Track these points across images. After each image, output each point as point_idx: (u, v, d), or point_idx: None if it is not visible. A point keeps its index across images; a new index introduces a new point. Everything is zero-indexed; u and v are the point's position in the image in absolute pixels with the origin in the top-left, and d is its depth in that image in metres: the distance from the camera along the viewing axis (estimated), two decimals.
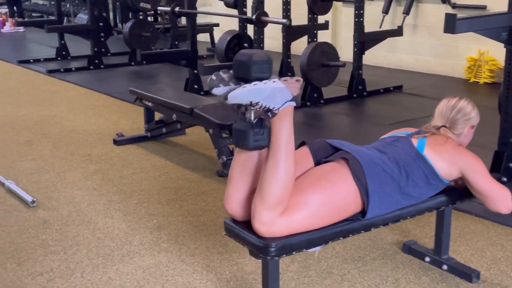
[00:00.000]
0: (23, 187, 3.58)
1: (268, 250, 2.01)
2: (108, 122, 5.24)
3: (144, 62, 7.71)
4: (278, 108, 1.96)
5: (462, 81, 6.81)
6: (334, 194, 2.10)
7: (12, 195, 3.53)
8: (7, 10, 13.16)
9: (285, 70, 6.84)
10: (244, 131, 1.99)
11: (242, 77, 1.95)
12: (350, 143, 2.33)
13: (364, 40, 5.93)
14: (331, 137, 2.45)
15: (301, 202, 2.06)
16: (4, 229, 3.09)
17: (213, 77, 1.96)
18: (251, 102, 1.92)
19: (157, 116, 4.61)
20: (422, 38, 7.33)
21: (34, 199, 3.38)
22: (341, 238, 2.19)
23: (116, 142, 4.55)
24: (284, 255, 2.07)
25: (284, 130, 2.00)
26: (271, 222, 2.00)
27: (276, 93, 1.94)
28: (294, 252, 2.09)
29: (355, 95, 6.08)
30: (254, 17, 5.30)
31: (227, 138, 3.85)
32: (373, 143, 2.45)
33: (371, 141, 2.51)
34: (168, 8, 6.61)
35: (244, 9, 6.07)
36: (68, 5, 11.73)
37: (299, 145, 2.35)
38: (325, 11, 6.01)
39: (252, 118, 1.97)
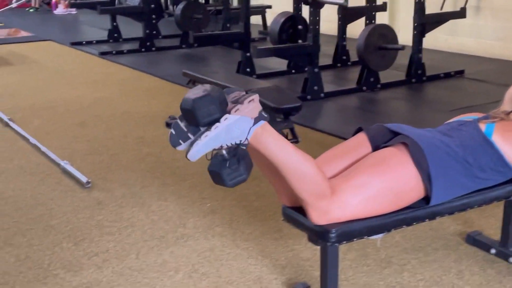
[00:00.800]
0: (78, 168, 3.66)
1: (328, 236, 1.99)
2: (160, 104, 5.30)
3: (196, 44, 7.75)
4: (246, 139, 1.91)
5: None
6: (394, 179, 2.06)
7: (68, 175, 3.61)
8: None
9: (340, 54, 6.78)
10: (218, 172, 1.88)
11: (195, 124, 1.86)
12: (410, 126, 2.28)
13: (425, 22, 5.80)
14: (388, 123, 2.39)
15: (357, 186, 2.03)
16: (60, 209, 3.18)
17: (173, 131, 1.90)
18: (214, 149, 1.87)
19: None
20: (486, 20, 7.13)
21: (89, 180, 3.45)
22: (405, 226, 2.15)
23: (168, 125, 4.58)
24: (344, 242, 2.04)
25: (269, 149, 1.94)
26: (326, 210, 1.99)
27: (233, 129, 1.85)
28: (355, 239, 2.06)
29: (413, 80, 5.97)
30: None
31: (282, 122, 3.84)
32: (438, 127, 2.39)
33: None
34: None
35: None
36: None
37: (355, 131, 2.33)
38: None
39: (225, 155, 1.88)
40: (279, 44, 6.40)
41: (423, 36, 5.88)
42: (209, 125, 1.83)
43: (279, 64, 6.61)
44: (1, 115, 4.85)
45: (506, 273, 2.49)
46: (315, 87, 5.39)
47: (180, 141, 1.87)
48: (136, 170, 3.72)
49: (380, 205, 2.06)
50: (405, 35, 6.76)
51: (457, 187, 2.17)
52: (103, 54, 7.89)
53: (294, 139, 3.84)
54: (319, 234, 2.02)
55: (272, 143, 1.93)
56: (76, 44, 8.67)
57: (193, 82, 4.61)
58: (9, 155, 4.05)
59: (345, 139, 2.78)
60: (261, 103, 3.76)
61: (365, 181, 2.04)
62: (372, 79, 5.70)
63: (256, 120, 1.89)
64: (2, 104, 5.37)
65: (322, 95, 5.43)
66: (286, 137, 3.73)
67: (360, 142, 2.25)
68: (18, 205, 3.25)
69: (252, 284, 2.44)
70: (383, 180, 2.05)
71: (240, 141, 1.87)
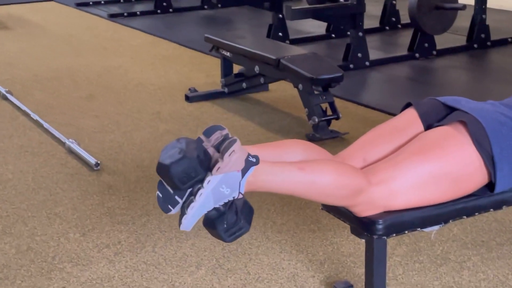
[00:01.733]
0: (86, 148, 3.72)
1: (374, 228, 2.00)
2: (179, 75, 5.35)
3: (220, 5, 7.76)
4: (239, 193, 1.91)
5: None
6: (450, 164, 2.06)
7: (74, 156, 3.67)
8: None
9: (389, 15, 6.73)
10: (214, 230, 1.91)
11: (179, 188, 1.89)
12: (468, 99, 2.28)
13: None
14: (446, 96, 2.38)
15: (407, 172, 2.03)
16: (66, 194, 3.23)
17: (159, 194, 1.93)
18: (208, 211, 1.89)
19: (236, 68, 4.66)
20: None
21: (98, 162, 3.50)
22: (465, 216, 2.16)
23: (188, 99, 4.64)
24: (394, 234, 2.06)
25: (274, 188, 1.99)
26: (367, 202, 2.01)
27: (220, 190, 1.87)
28: (406, 231, 2.09)
29: (476, 45, 5.95)
30: None
31: (320, 95, 3.84)
32: (503, 100, 2.37)
33: None
34: None
35: None
36: None
37: (404, 106, 2.33)
38: None
39: (221, 209, 1.89)
40: (317, 4, 6.37)
41: None
42: (193, 187, 1.86)
43: (317, 27, 6.60)
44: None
45: None
46: (359, 54, 5.39)
47: (169, 206, 1.91)
48: (151, 150, 3.77)
49: (435, 193, 2.07)
50: None
51: None
52: (112, 16, 7.94)
53: (334, 114, 3.85)
54: (364, 226, 2.04)
55: (273, 182, 1.96)
56: (82, 4, 8.73)
57: (216, 48, 4.62)
58: (8, 132, 4.12)
59: (393, 115, 2.78)
60: (296, 72, 3.81)
61: (416, 166, 2.05)
62: (426, 45, 5.69)
63: (244, 171, 1.88)
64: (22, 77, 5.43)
65: (367, 63, 5.42)
66: (324, 112, 3.75)
67: (410, 119, 2.25)
68: (18, 189, 3.30)
69: (285, 282, 2.47)
70: (437, 165, 2.05)
71: (233, 197, 1.88)
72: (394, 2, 6.72)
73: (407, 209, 2.04)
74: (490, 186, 2.13)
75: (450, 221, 2.14)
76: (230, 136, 1.97)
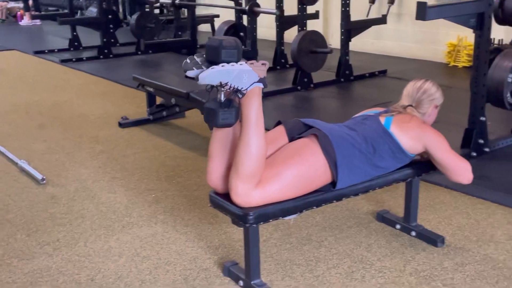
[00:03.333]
0: (35, 166, 3.64)
1: (247, 218, 2.06)
2: (114, 106, 5.28)
3: (150, 51, 7.75)
4: (246, 89, 1.99)
5: (443, 65, 6.81)
6: (306, 167, 2.14)
7: (25, 173, 3.59)
8: (22, 5, 13.17)
9: (279, 58, 6.85)
10: (214, 109, 1.99)
11: (213, 61, 1.97)
12: (322, 121, 2.36)
13: (350, 28, 5.92)
14: (319, 118, 2.46)
15: (275, 175, 2.10)
16: (16, 204, 3.15)
17: (188, 60, 1.99)
18: (220, 82, 1.95)
19: (159, 100, 4.65)
20: (406, 25, 7.32)
21: (44, 177, 3.43)
22: (315, 207, 2.23)
23: (121, 125, 4.60)
24: (261, 223, 2.12)
25: (253, 110, 2.03)
26: (246, 194, 2.05)
27: (243, 75, 1.97)
28: (270, 220, 2.13)
29: (342, 79, 6.08)
30: (247, 8, 5.30)
31: None
32: (345, 122, 2.48)
33: None
34: (169, 1, 6.60)
35: (240, 1, 6.08)
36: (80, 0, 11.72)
37: (275, 124, 2.39)
38: (313, 2, 5.99)
39: (222, 98, 1.99)
40: None
41: (350, 40, 5.98)
42: (225, 63, 1.95)
43: None
44: None
45: (408, 245, 2.61)
46: None
47: (194, 68, 1.97)
48: (89, 166, 3.72)
49: (294, 191, 2.14)
50: (337, 40, 6.89)
51: (360, 174, 2.27)
52: (63, 61, 7.76)
53: None
54: (239, 217, 2.09)
55: (256, 107, 2.04)
56: (39, 52, 8.50)
57: (142, 85, 4.61)
58: None
59: None
60: (202, 102, 3.80)
61: (281, 171, 2.11)
62: (305, 80, 5.79)
63: (260, 80, 2.02)
64: None
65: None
66: None
67: (279, 133, 2.32)
68: None
69: (187, 264, 2.49)
70: (296, 169, 2.12)
71: (242, 88, 1.97)
72: (282, 47, 6.82)
73: (271, 203, 2.10)
74: (333, 184, 2.22)
75: (304, 210, 2.21)
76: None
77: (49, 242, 2.71)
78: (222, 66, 1.95)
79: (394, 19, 7.25)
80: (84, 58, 7.94)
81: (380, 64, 6.83)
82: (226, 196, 2.16)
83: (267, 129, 2.20)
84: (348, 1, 5.78)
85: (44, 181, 3.41)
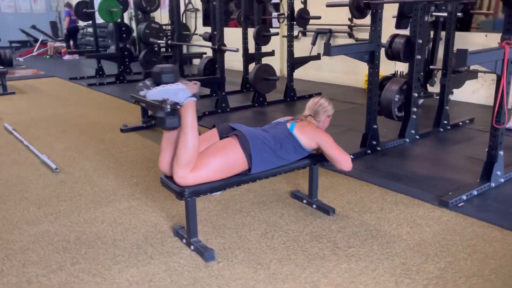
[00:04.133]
0: (53, 160, 3.65)
1: (183, 194, 2.11)
2: (120, 117, 5.28)
3: None
4: (183, 102, 2.04)
5: (362, 90, 6.89)
6: (228, 158, 2.19)
7: (44, 164, 3.60)
8: (65, 44, 13.09)
9: (245, 83, 6.88)
10: (162, 117, 2.05)
11: (158, 82, 2.03)
12: (244, 125, 2.41)
13: (294, 63, 5.98)
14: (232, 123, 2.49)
15: (205, 163, 2.15)
16: (33, 186, 3.17)
17: (140, 84, 2.04)
18: (163, 98, 2.00)
19: (150, 112, 4.66)
20: (337, 60, 7.39)
21: (57, 167, 3.45)
22: (235, 186, 2.27)
23: (122, 131, 4.61)
24: (194, 197, 2.16)
25: (189, 117, 2.07)
26: (184, 176, 2.10)
27: (179, 92, 2.02)
28: (201, 195, 2.17)
29: (288, 99, 6.12)
30: (216, 47, 5.34)
31: None
32: (264, 126, 2.54)
33: None
34: (163, 41, 6.61)
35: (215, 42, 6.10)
36: (108, 40, 11.67)
37: (211, 127, 2.43)
38: (266, 43, 6.06)
39: (168, 109, 2.04)
40: (203, 76, 6.45)
41: (293, 71, 6.03)
42: (165, 84, 2.01)
43: (205, 90, 6.68)
44: (7, 126, 4.73)
45: (309, 214, 2.67)
46: (223, 104, 5.49)
47: (144, 89, 2.02)
48: (92, 160, 3.73)
49: (219, 174, 2.18)
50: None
51: (269, 164, 2.33)
52: (90, 85, 7.73)
53: None
54: (178, 193, 2.13)
55: (191, 115, 2.07)
56: (73, 78, 8.46)
57: (137, 101, 4.61)
58: (8, 152, 3.98)
59: None
60: None
61: (210, 161, 2.16)
62: (261, 99, 5.82)
63: (192, 96, 2.04)
64: (11, 119, 5.23)
65: (228, 109, 5.51)
66: None
67: (212, 134, 2.36)
68: (7, 184, 3.22)
69: (149, 228, 2.52)
70: (220, 159, 2.18)
71: (179, 101, 2.01)
72: (247, 76, 6.85)
73: (202, 183, 2.15)
74: (249, 170, 2.28)
75: (227, 188, 2.24)
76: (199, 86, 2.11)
77: (52, 213, 2.73)
78: (163, 86, 1.99)
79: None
80: (105, 83, 7.90)
81: (317, 88, 6.90)
82: (171, 178, 2.20)
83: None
84: (292, 43, 5.83)
85: (57, 170, 3.43)
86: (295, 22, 5.72)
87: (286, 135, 2.41)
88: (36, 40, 13.74)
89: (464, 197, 2.79)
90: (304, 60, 6.19)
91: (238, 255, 2.21)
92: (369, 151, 3.74)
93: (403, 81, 3.94)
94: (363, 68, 6.82)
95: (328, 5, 3.75)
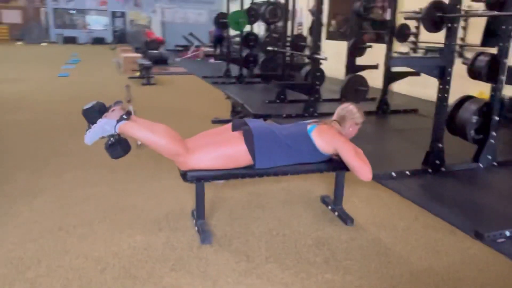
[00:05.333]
0: None
1: (186, 177, 2.11)
2: (217, 111, 5.34)
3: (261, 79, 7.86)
4: (115, 131, 1.98)
5: None
6: (230, 149, 2.13)
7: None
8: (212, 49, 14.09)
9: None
10: (107, 150, 2.02)
11: (90, 124, 2.00)
12: (260, 121, 2.29)
13: (390, 76, 5.47)
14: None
15: (209, 150, 2.12)
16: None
17: (87, 127, 2.01)
18: (100, 137, 1.97)
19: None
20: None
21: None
22: (240, 178, 2.18)
23: (213, 122, 4.71)
24: (202, 181, 2.13)
25: (135, 134, 2.02)
26: (183, 162, 2.09)
27: (104, 126, 1.97)
28: (202, 181, 2.13)
29: (380, 112, 5.58)
30: (309, 55, 5.14)
31: None
32: (287, 124, 2.37)
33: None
34: (272, 48, 6.62)
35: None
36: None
37: (229, 122, 2.37)
38: (361, 55, 5.63)
39: (111, 141, 2.00)
40: None
41: (389, 84, 5.54)
42: (94, 124, 1.99)
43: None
44: (130, 108, 5.22)
45: (328, 220, 2.45)
46: (311, 109, 5.27)
47: (87, 132, 2.01)
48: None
49: (221, 163, 2.13)
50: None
51: (277, 160, 2.19)
52: (214, 83, 8.17)
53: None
54: (182, 175, 2.13)
55: (136, 132, 2.02)
56: (204, 77, 9.06)
57: (228, 97, 4.74)
58: None
59: None
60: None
61: (213, 149, 2.13)
62: None
63: (118, 121, 1.99)
64: (140, 104, 5.49)
65: (315, 114, 5.27)
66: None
67: (226, 128, 2.32)
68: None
69: (176, 205, 2.56)
70: (223, 149, 2.13)
71: (113, 133, 1.99)
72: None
73: (208, 169, 2.11)
74: (254, 165, 2.16)
75: (231, 179, 2.18)
76: (121, 103, 2.05)
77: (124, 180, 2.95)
78: (89, 131, 1.97)
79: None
80: (226, 82, 8.27)
81: (416, 105, 6.17)
82: None
83: None
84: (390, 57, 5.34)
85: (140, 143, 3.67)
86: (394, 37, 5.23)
87: (302, 136, 2.24)
88: (195, 46, 15.10)
89: (508, 233, 2.22)
90: (401, 75, 5.63)
91: (232, 244, 2.13)
92: (430, 170, 3.23)
93: (483, 101, 3.31)
94: (473, 87, 5.91)
95: (406, 18, 3.34)
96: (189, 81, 8.72)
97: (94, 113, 1.98)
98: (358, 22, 5.30)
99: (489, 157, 3.38)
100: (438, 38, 5.88)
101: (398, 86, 7.45)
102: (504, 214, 2.53)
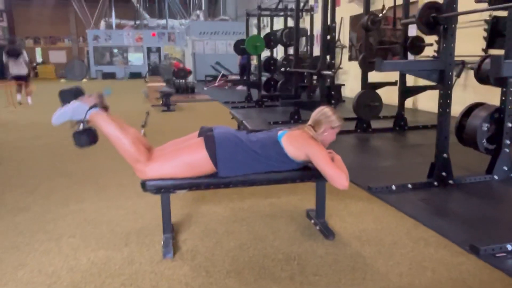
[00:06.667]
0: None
1: (145, 186, 2.01)
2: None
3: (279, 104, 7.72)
4: (85, 117, 1.92)
5: None
6: (190, 156, 2.04)
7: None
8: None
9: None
10: (73, 136, 1.96)
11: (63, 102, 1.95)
12: (227, 127, 2.18)
13: (405, 91, 5.22)
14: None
15: (168, 158, 2.02)
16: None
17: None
18: (68, 119, 1.91)
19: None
20: (469, 92, 6.18)
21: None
22: (203, 188, 2.05)
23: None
24: (156, 192, 2.02)
25: (101, 126, 1.95)
26: (140, 170, 1.99)
27: (77, 109, 1.91)
28: (163, 190, 2.02)
29: (397, 128, 5.35)
30: (316, 71, 5.03)
31: None
32: (261, 132, 2.23)
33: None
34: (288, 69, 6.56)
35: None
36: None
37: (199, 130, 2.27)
38: (371, 69, 5.41)
39: (79, 129, 1.94)
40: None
41: (405, 99, 5.30)
42: (65, 104, 1.95)
43: None
44: (142, 132, 5.27)
45: (307, 234, 2.25)
46: None
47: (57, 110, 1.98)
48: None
49: (181, 171, 2.02)
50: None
51: (243, 168, 2.05)
52: (233, 107, 8.14)
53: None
54: (141, 185, 2.03)
55: (105, 124, 1.97)
56: (225, 102, 9.11)
57: (233, 117, 4.68)
58: None
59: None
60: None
61: (173, 156, 2.04)
62: (365, 125, 5.26)
63: (90, 108, 1.95)
64: (153, 128, 5.64)
65: None
66: None
67: (193, 135, 2.23)
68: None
69: (154, 221, 2.47)
70: (182, 157, 2.03)
71: (81, 118, 1.94)
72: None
73: (168, 178, 2.00)
74: (217, 173, 2.03)
75: (193, 188, 2.05)
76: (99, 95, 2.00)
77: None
78: (59, 110, 1.92)
79: (460, 88, 6.20)
80: (245, 106, 8.26)
81: (434, 119, 5.83)
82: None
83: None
84: (405, 75, 5.12)
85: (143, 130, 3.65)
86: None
87: (271, 142, 2.10)
88: (221, 75, 15.39)
89: (510, 247, 1.92)
90: (418, 90, 5.36)
91: (196, 259, 1.98)
92: (435, 183, 2.95)
93: (494, 107, 3.02)
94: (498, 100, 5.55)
95: (403, 23, 3.17)
96: (210, 107, 8.76)
97: (69, 95, 1.94)
98: (366, 37, 5.14)
99: (505, 168, 3.05)
100: (463, 50, 5.65)
101: (422, 104, 7.14)
102: (510, 227, 2.22)
